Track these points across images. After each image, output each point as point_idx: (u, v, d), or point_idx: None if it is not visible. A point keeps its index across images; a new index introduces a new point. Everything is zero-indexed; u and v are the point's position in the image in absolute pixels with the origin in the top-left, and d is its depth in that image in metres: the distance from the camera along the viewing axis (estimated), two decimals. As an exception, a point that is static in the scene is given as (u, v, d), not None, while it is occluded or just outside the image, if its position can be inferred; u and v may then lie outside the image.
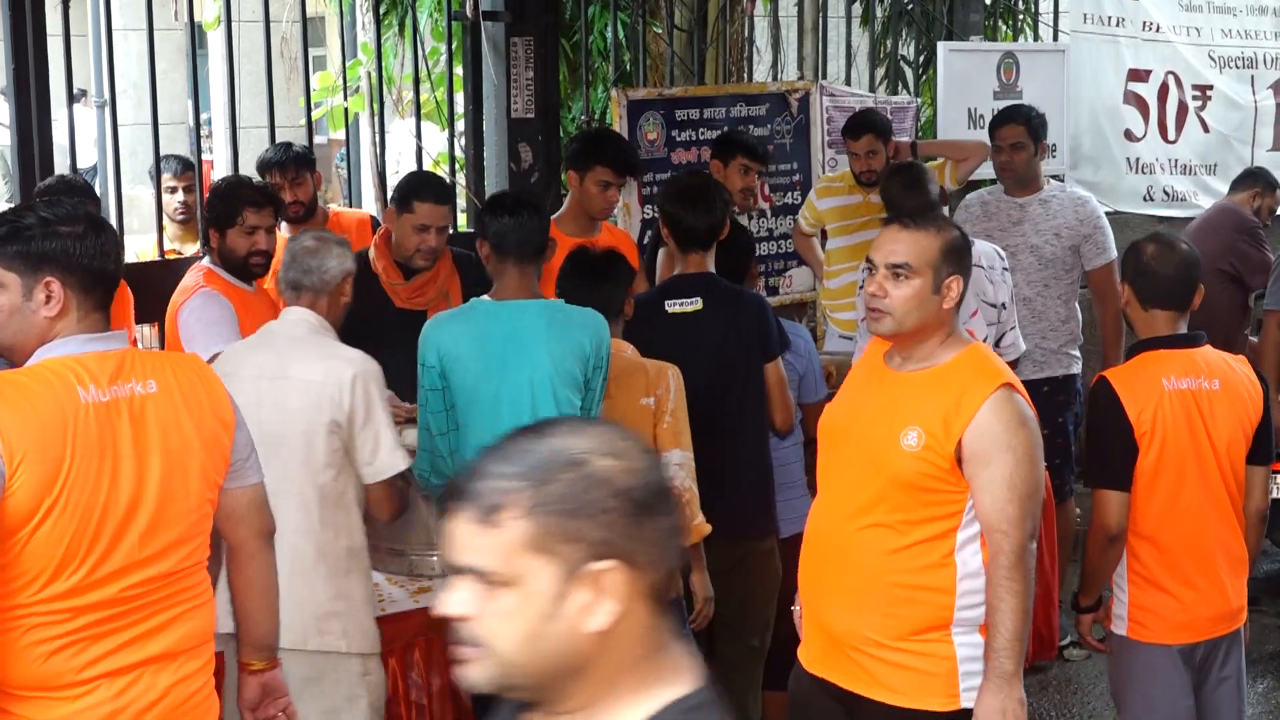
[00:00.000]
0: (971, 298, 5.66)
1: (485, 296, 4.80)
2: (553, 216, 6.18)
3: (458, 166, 7.89)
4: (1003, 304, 5.81)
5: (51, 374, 3.31)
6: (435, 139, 9.94)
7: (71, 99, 6.85)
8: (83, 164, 20.12)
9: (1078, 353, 7.02)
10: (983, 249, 5.81)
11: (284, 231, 6.57)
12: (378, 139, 8.21)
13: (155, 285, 6.00)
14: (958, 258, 3.87)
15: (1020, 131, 6.96)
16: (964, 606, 3.79)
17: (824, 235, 7.75)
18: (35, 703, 3.30)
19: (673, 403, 4.91)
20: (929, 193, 6.15)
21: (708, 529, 4.88)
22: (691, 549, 4.89)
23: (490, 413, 4.60)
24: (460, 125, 8.24)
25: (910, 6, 9.81)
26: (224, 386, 3.58)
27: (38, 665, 3.28)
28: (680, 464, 4.86)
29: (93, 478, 3.28)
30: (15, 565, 3.25)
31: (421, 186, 5.70)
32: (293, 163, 6.55)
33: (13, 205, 6.36)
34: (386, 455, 4.46)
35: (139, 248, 7.24)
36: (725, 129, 7.68)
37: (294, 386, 4.40)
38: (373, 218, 6.87)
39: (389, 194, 5.76)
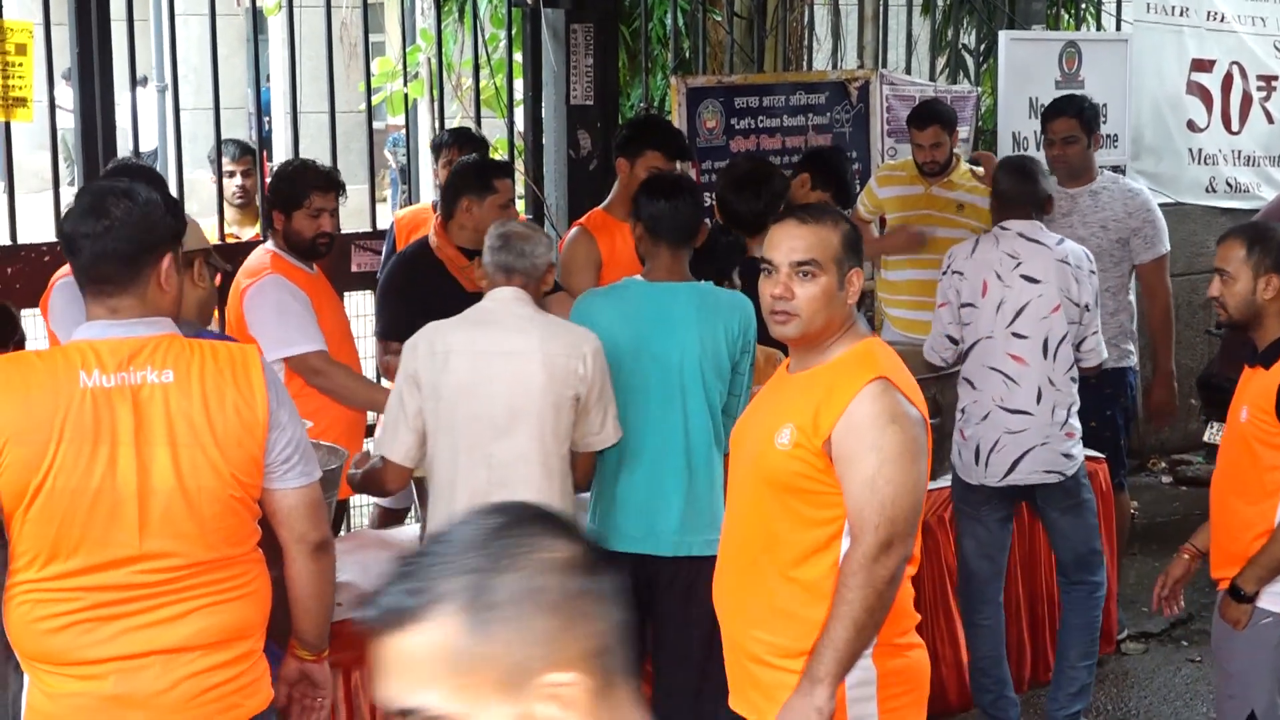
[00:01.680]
0: (1055, 292, 5.62)
1: (638, 276, 4.93)
2: (602, 204, 6.21)
3: (516, 153, 7.90)
4: (1086, 305, 5.76)
5: (62, 356, 3.37)
6: (494, 126, 9.95)
7: (135, 84, 6.89)
8: (144, 148, 20.34)
9: (1131, 346, 6.94)
10: (1071, 249, 5.76)
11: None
12: (437, 125, 8.22)
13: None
14: (856, 249, 3.67)
15: (1073, 125, 6.88)
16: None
17: (882, 223, 7.72)
18: (47, 675, 3.38)
19: None
20: (1043, 184, 5.96)
21: None
22: None
23: (640, 391, 4.74)
24: (519, 112, 8.24)
25: (972, -5, 9.75)
26: (265, 385, 3.43)
27: (47, 640, 3.36)
28: None
29: (85, 461, 3.30)
30: (19, 543, 3.35)
31: (496, 166, 5.78)
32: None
33: (76, 188, 6.47)
34: (611, 425, 4.67)
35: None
36: (785, 121, 7.66)
37: (538, 360, 4.51)
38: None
39: (459, 183, 5.75)
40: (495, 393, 4.48)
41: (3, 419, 3.30)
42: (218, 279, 4.52)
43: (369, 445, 5.56)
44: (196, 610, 3.40)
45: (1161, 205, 7.29)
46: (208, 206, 7.23)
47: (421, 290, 5.60)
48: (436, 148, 6.76)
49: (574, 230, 6.21)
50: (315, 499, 3.56)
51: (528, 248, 4.63)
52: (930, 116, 7.33)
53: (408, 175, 13.04)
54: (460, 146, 6.57)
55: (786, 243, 3.63)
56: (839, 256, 3.62)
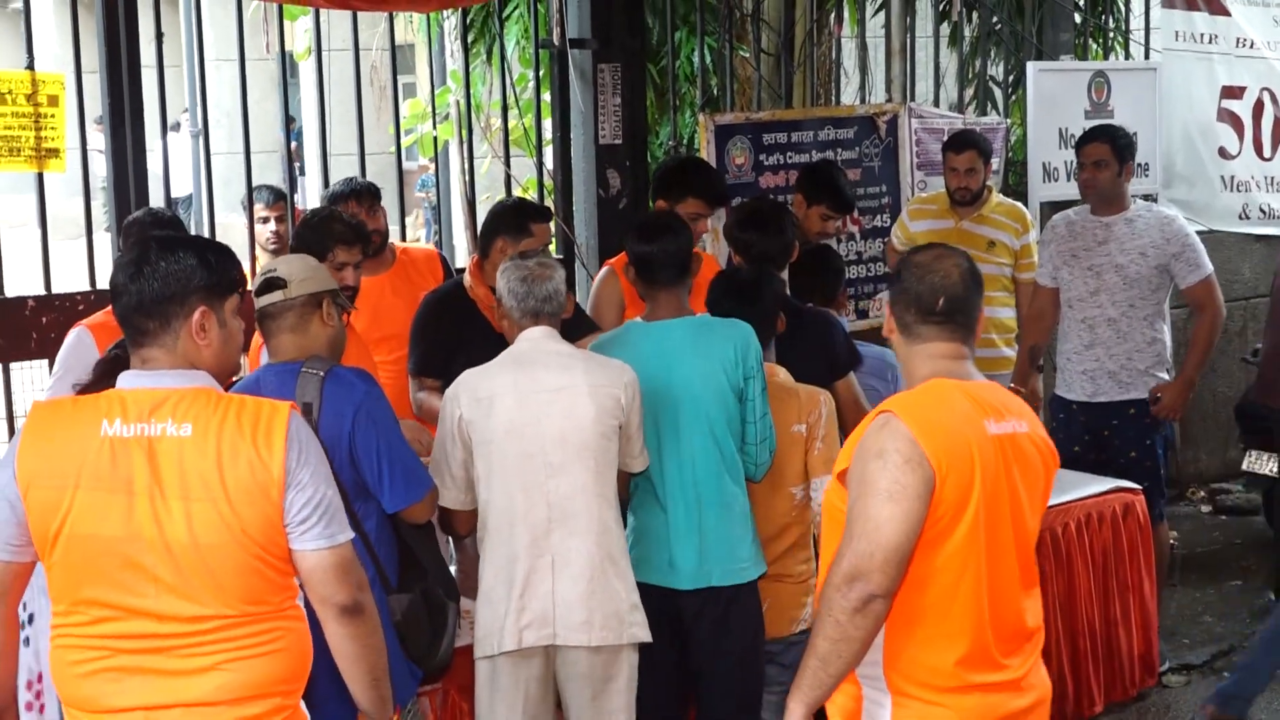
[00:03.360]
0: None
1: (638, 318, 5.02)
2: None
3: (546, 193, 7.92)
4: None
5: (91, 404, 3.40)
6: (524, 166, 9.98)
7: (165, 129, 6.94)
8: (179, 192, 20.47)
9: (1167, 375, 6.92)
10: None
11: None
12: (466, 167, 8.25)
13: (246, 315, 6.03)
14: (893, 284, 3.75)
15: (1104, 150, 6.88)
16: (864, 663, 3.57)
17: (915, 254, 7.72)
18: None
19: (824, 429, 5.06)
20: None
21: None
22: None
23: (650, 430, 4.80)
24: (548, 152, 8.27)
25: (999, 26, 9.76)
26: (285, 444, 3.38)
27: (79, 685, 3.40)
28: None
29: (100, 510, 3.31)
30: (51, 588, 3.41)
31: (534, 210, 5.77)
32: (368, 193, 6.49)
33: (110, 232, 6.52)
34: (642, 448, 4.77)
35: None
36: (814, 156, 7.67)
37: (585, 393, 4.58)
38: (440, 254, 6.87)
39: (478, 223, 5.77)
40: (546, 430, 4.55)
41: (27, 464, 3.36)
42: (345, 317, 4.61)
43: None
44: (219, 665, 3.38)
45: (1195, 233, 7.26)
46: (241, 251, 7.25)
47: (453, 328, 5.64)
48: (333, 198, 6.48)
49: (604, 270, 6.25)
50: (339, 561, 3.48)
51: (549, 287, 4.69)
52: (968, 141, 7.38)
53: (439, 215, 13.09)
54: (359, 199, 6.45)
55: None
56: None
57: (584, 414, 4.58)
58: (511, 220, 5.66)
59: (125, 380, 3.43)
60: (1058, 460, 3.74)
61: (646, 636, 4.65)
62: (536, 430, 4.55)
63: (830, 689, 3.54)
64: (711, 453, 4.82)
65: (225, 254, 3.57)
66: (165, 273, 3.40)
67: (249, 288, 6.80)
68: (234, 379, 4.13)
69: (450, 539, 5.29)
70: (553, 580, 4.56)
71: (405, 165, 18.11)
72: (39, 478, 3.35)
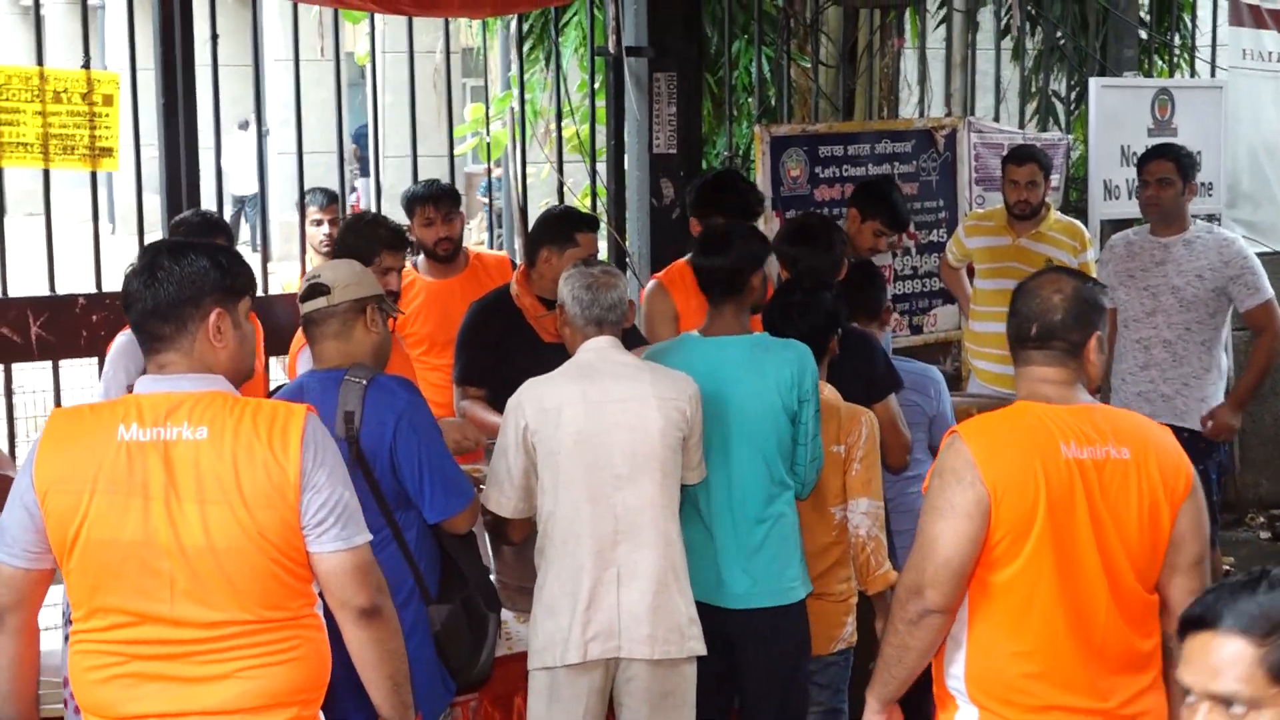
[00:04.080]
0: None
1: (696, 331, 4.99)
2: (686, 256, 6.19)
3: (600, 201, 7.90)
4: None
5: (109, 410, 3.40)
6: (580, 174, 9.98)
7: (219, 129, 6.96)
8: (247, 191, 20.61)
9: (1223, 400, 6.83)
10: None
11: (422, 270, 6.60)
12: (518, 174, 8.25)
13: (297, 317, 6.06)
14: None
15: (1169, 168, 6.81)
16: (950, 675, 3.67)
17: (970, 271, 7.66)
18: None
19: (863, 450, 5.01)
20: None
21: (895, 576, 4.95)
22: (877, 596, 5.05)
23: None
24: (602, 160, 8.25)
25: (1062, 41, 9.66)
26: (301, 446, 3.37)
27: (96, 691, 3.39)
28: (867, 513, 5.01)
29: (117, 514, 3.31)
30: (70, 594, 3.40)
31: (580, 219, 5.74)
32: (447, 197, 6.53)
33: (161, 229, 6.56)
34: (700, 460, 4.74)
35: (285, 279, 7.33)
36: (870, 169, 7.62)
37: (654, 405, 4.57)
38: (511, 260, 6.88)
39: (540, 233, 5.75)
40: (615, 441, 4.53)
41: (45, 469, 3.36)
42: (391, 323, 4.59)
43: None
44: (236, 673, 3.37)
45: (1259, 254, 7.17)
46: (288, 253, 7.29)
47: (498, 337, 5.63)
48: (411, 199, 6.63)
49: (651, 284, 6.21)
50: (357, 564, 3.45)
51: (614, 295, 4.66)
52: (1028, 154, 7.32)
53: (497, 220, 13.09)
54: (436, 203, 6.53)
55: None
56: None
57: (652, 426, 4.55)
58: (557, 229, 5.64)
59: (142, 385, 3.42)
60: (1188, 488, 3.68)
61: (703, 650, 4.63)
62: (605, 441, 4.52)
63: (899, 687, 3.73)
64: (760, 473, 4.78)
65: (237, 257, 3.58)
66: (179, 276, 3.39)
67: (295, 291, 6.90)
68: (277, 383, 4.13)
69: (490, 547, 5.28)
70: (618, 593, 4.54)
71: (471, 169, 18.21)
72: (56, 484, 3.34)
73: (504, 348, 5.57)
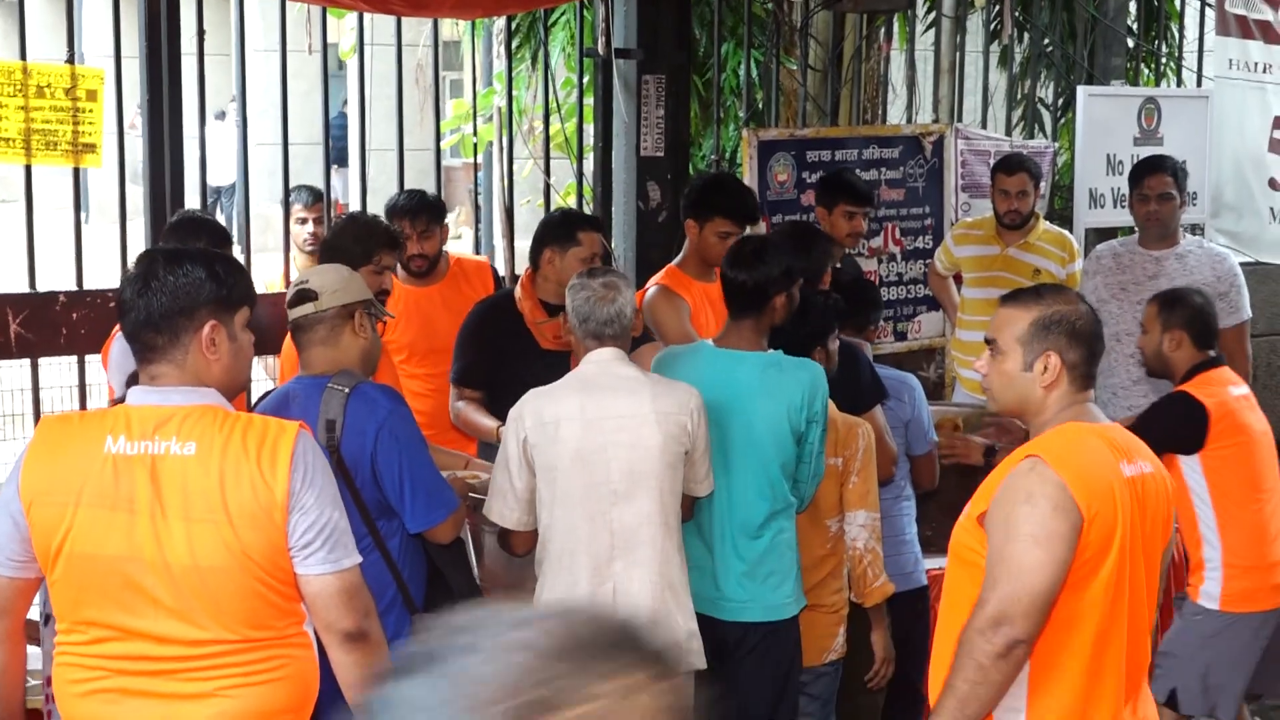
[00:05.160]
0: None
1: (711, 341, 4.96)
2: (674, 261, 6.14)
3: (585, 201, 7.86)
4: None
5: (98, 420, 3.35)
6: (564, 173, 9.93)
7: (204, 119, 6.89)
8: (224, 181, 20.51)
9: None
10: None
11: (402, 277, 6.48)
12: (505, 173, 8.19)
13: (283, 317, 5.99)
14: (1053, 331, 3.63)
15: (1169, 182, 6.82)
16: (1009, 708, 3.55)
17: (958, 280, 7.64)
18: None
19: (859, 462, 5.01)
20: None
21: (891, 588, 5.02)
22: (873, 609, 5.06)
23: None
24: (589, 161, 8.21)
25: (1050, 48, 9.64)
26: (290, 465, 3.29)
27: (78, 704, 3.36)
28: (864, 525, 5.01)
29: (101, 528, 3.26)
30: (55, 606, 3.38)
31: (582, 219, 5.70)
32: (425, 212, 6.33)
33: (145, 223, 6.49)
34: (710, 475, 4.70)
35: (267, 278, 7.27)
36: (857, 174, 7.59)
37: (652, 421, 4.52)
38: (491, 265, 6.80)
39: (514, 230, 5.71)
40: (612, 458, 4.49)
41: (30, 480, 3.31)
42: (380, 327, 4.52)
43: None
44: (220, 691, 3.32)
45: (1242, 265, 7.17)
46: (281, 243, 7.22)
47: (497, 340, 5.58)
48: (391, 211, 6.32)
49: (654, 290, 6.07)
50: (344, 587, 3.38)
51: (612, 310, 4.58)
52: (1019, 164, 7.30)
53: (480, 217, 13.05)
54: (413, 219, 6.27)
55: (991, 321, 3.75)
56: (1024, 338, 3.63)
57: (650, 442, 4.51)
58: (559, 229, 5.59)
59: (133, 396, 3.38)
60: (1179, 499, 3.78)
61: (702, 664, 4.60)
62: (602, 458, 4.49)
63: None
64: (762, 491, 4.76)
65: (234, 266, 3.51)
66: (173, 287, 3.32)
67: (282, 289, 6.83)
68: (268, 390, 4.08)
69: (471, 551, 5.24)
70: (614, 610, 4.49)
71: (450, 162, 18.16)
72: (42, 494, 3.30)
73: (501, 351, 5.52)
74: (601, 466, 4.49)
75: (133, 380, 4.07)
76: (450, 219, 19.40)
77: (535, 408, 4.55)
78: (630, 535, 4.51)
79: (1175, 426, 5.33)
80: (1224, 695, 5.44)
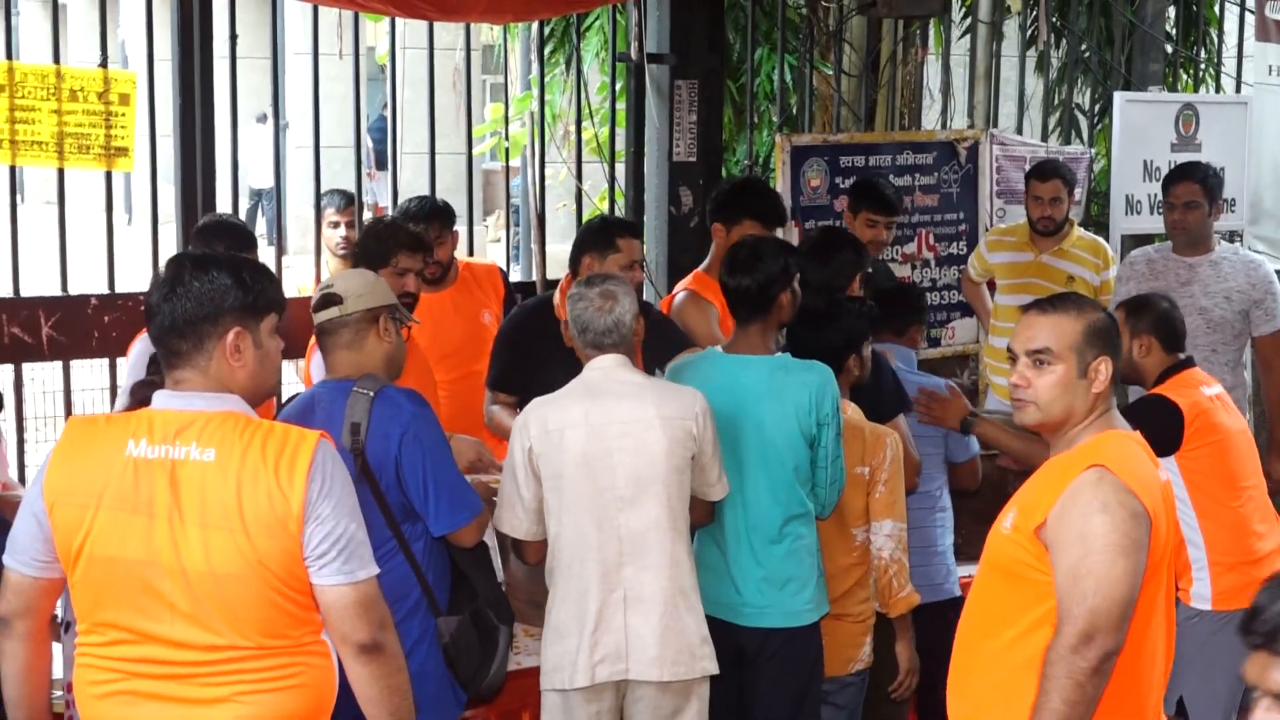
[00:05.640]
0: None
1: (718, 347, 4.94)
2: (701, 267, 6.12)
3: (618, 206, 7.85)
4: None
5: (122, 423, 3.36)
6: (598, 178, 9.93)
7: (235, 122, 6.91)
8: (266, 184, 20.58)
9: (1248, 418, 6.76)
10: None
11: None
12: (536, 179, 8.19)
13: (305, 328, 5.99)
14: (1103, 338, 3.71)
15: (1196, 190, 6.75)
16: None
17: (991, 286, 7.61)
18: None
19: (887, 472, 4.97)
20: None
21: (917, 599, 4.98)
22: (898, 620, 5.01)
23: None
24: (621, 165, 8.20)
25: (1087, 54, 9.59)
26: (308, 475, 3.29)
27: (96, 705, 3.38)
28: (890, 535, 4.97)
29: (120, 531, 3.28)
30: (75, 607, 3.39)
31: (622, 225, 5.69)
32: (435, 218, 6.27)
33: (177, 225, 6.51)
34: (724, 478, 4.68)
35: (300, 282, 7.29)
36: (892, 180, 7.57)
37: (657, 427, 4.51)
38: (500, 268, 6.79)
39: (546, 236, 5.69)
40: (618, 464, 4.48)
41: (54, 481, 3.34)
42: (405, 332, 4.53)
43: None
44: (235, 697, 3.32)
45: (1278, 271, 7.10)
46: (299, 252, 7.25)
47: (532, 345, 5.58)
48: (401, 216, 6.23)
49: (682, 295, 6.06)
50: (359, 599, 3.37)
51: (609, 320, 4.57)
52: (1053, 170, 7.27)
53: (512, 220, 13.06)
54: (426, 223, 6.17)
55: (1025, 332, 3.75)
56: (1078, 345, 3.67)
57: (656, 447, 4.50)
58: (599, 236, 5.56)
59: (158, 400, 3.39)
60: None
61: (715, 669, 4.60)
62: (608, 464, 4.48)
63: None
64: (776, 496, 4.74)
65: (262, 272, 3.50)
66: (198, 293, 3.33)
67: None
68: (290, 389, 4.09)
69: (500, 561, 5.24)
70: (625, 615, 4.51)
71: (490, 166, 18.19)
72: (64, 495, 3.32)
73: (537, 356, 5.49)
74: (607, 472, 4.48)
75: (139, 387, 4.11)
76: (489, 222, 19.43)
77: (539, 416, 4.55)
78: (639, 540, 4.50)
79: (1152, 429, 5.28)
80: (1232, 698, 5.36)
